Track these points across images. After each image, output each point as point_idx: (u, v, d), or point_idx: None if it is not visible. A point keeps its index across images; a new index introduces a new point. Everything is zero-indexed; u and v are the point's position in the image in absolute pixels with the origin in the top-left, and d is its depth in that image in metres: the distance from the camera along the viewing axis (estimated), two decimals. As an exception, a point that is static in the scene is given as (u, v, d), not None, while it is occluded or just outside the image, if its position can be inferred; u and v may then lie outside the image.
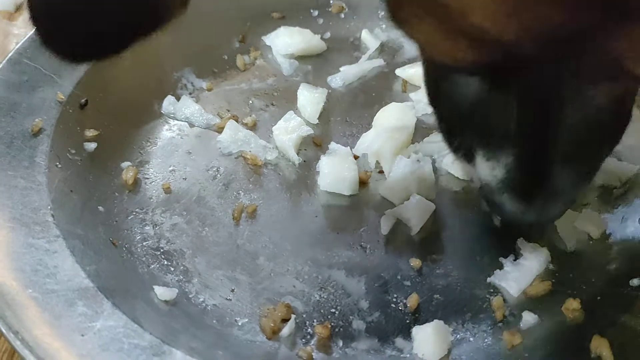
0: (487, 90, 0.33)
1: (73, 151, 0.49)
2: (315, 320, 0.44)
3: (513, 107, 0.31)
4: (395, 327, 0.44)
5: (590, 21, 0.25)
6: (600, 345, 0.38)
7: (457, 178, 0.52)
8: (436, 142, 0.53)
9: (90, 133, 0.51)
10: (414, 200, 0.49)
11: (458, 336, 0.43)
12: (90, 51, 0.32)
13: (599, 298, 0.43)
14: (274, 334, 0.43)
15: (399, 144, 0.53)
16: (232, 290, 0.45)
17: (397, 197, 0.50)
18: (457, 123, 0.37)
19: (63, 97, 0.50)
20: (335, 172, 0.51)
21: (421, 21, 0.29)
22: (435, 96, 0.38)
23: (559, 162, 0.33)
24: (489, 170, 0.35)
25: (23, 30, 0.66)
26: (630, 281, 0.43)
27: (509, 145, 0.33)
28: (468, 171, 0.39)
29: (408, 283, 0.46)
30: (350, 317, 0.44)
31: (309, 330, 0.43)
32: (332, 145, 0.54)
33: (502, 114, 0.32)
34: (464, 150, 0.37)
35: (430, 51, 0.32)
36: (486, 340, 0.43)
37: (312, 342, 0.43)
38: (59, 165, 0.47)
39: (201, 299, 0.45)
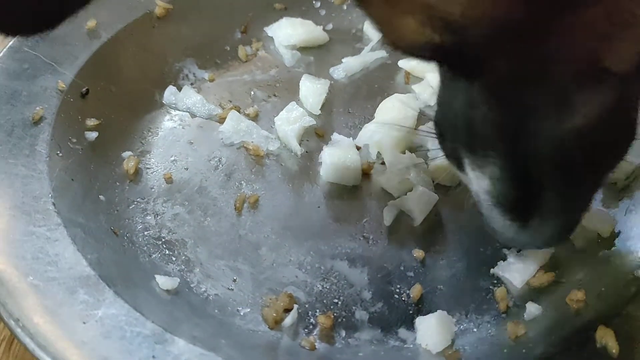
0: (465, 89, 0.30)
1: (74, 140, 0.49)
2: (317, 311, 0.44)
3: (488, 110, 0.29)
4: (398, 317, 0.44)
5: (539, 10, 0.24)
6: (605, 335, 0.38)
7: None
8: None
9: (91, 122, 0.51)
10: (417, 192, 0.49)
11: (461, 327, 0.43)
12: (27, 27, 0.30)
13: (603, 289, 0.43)
14: (276, 324, 0.42)
15: (401, 135, 0.52)
16: (234, 280, 0.45)
17: (396, 189, 0.50)
18: (446, 126, 0.34)
19: (64, 86, 0.50)
20: (337, 162, 0.51)
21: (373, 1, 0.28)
22: (437, 96, 0.36)
23: (552, 178, 0.30)
24: (476, 180, 0.32)
25: (23, 19, 0.66)
26: (635, 271, 0.42)
27: (492, 154, 0.30)
28: (462, 178, 0.36)
29: (411, 274, 0.46)
30: (353, 307, 0.44)
31: (312, 320, 0.43)
32: (335, 136, 0.53)
33: (481, 118, 0.30)
34: (454, 156, 0.34)
35: (385, 32, 0.29)
36: (490, 331, 0.43)
37: (315, 332, 0.42)
38: (60, 154, 0.47)
39: (203, 289, 0.44)
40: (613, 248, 0.46)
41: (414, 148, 0.53)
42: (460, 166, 0.34)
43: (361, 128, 0.55)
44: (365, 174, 0.51)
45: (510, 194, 0.31)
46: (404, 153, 0.51)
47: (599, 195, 0.50)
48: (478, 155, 0.31)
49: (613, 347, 0.37)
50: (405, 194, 0.49)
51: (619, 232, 0.47)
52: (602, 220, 0.47)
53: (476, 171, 0.32)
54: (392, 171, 0.51)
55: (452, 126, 0.33)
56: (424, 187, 0.49)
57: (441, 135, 0.35)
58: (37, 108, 0.48)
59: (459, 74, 0.30)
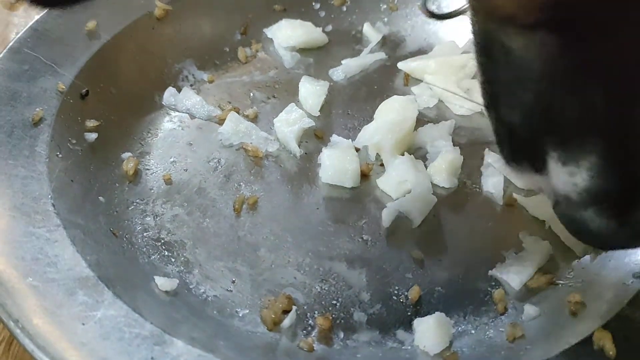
0: (561, 62, 0.25)
1: (74, 141, 0.49)
2: (316, 312, 0.44)
3: (596, 84, 0.25)
4: (396, 319, 0.44)
5: None
6: (603, 338, 0.38)
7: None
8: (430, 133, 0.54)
9: (91, 123, 0.51)
10: (415, 193, 0.49)
11: (459, 328, 0.43)
12: None
13: (601, 291, 0.43)
14: (275, 325, 0.42)
15: (399, 137, 0.52)
16: (233, 282, 0.45)
17: (394, 191, 0.50)
18: (521, 119, 0.29)
19: (64, 87, 0.50)
20: (336, 164, 0.51)
21: None
22: (492, 90, 0.31)
23: None
24: (567, 177, 0.28)
25: (23, 19, 0.66)
26: (633, 273, 0.42)
27: (593, 141, 0.26)
28: (534, 183, 0.33)
29: (409, 275, 0.46)
30: (352, 309, 0.44)
31: (310, 321, 0.43)
32: (334, 137, 0.54)
33: (582, 96, 0.25)
34: (530, 155, 0.30)
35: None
36: (488, 332, 0.43)
37: (313, 333, 0.43)
38: (60, 155, 0.47)
39: (202, 290, 0.44)
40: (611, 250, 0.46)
41: (413, 150, 0.53)
42: (540, 166, 0.30)
43: (360, 129, 0.55)
44: (364, 175, 0.52)
45: (614, 187, 0.27)
46: (403, 155, 0.51)
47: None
48: (572, 145, 0.27)
49: (610, 349, 0.37)
50: (404, 196, 0.49)
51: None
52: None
53: (569, 165, 0.28)
54: (391, 173, 0.51)
55: (528, 118, 0.29)
56: (423, 189, 0.49)
57: (509, 134, 0.31)
58: (37, 109, 0.48)
59: (570, 39, 0.25)
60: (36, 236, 0.41)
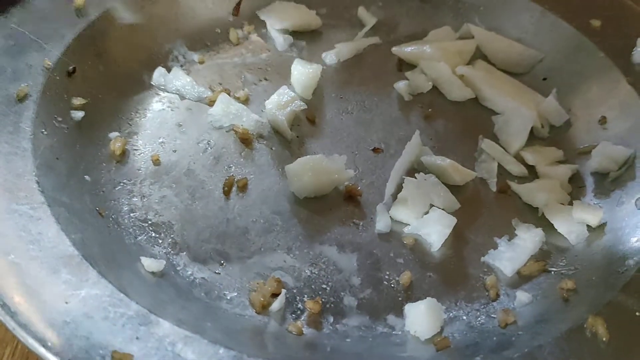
0: None
1: (59, 119, 0.48)
2: (306, 296, 0.43)
3: None
4: (387, 304, 0.43)
5: None
6: (596, 324, 0.37)
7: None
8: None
9: (77, 101, 0.49)
10: (435, 214, 0.47)
11: (451, 314, 0.43)
12: None
13: (594, 278, 0.42)
14: (263, 309, 0.42)
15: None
16: (222, 264, 0.44)
17: (412, 216, 0.47)
18: None
19: (50, 64, 0.49)
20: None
21: None
22: None
23: None
24: None
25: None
26: (626, 262, 0.42)
27: None
28: None
29: (401, 260, 0.45)
30: (342, 293, 0.43)
31: (300, 305, 0.42)
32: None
33: None
34: None
35: None
36: (479, 318, 0.42)
37: (303, 317, 0.42)
38: (45, 132, 0.46)
39: (189, 272, 0.43)
40: (604, 237, 0.46)
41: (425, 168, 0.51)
42: None
43: (353, 114, 0.54)
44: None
45: None
46: None
47: (590, 187, 0.50)
48: None
49: (603, 335, 0.37)
50: (422, 217, 0.47)
51: (610, 223, 0.46)
52: (590, 211, 0.47)
53: None
54: (404, 199, 0.48)
55: None
56: (443, 210, 0.47)
57: None
58: (22, 85, 0.47)
59: None
60: (19, 213, 0.40)
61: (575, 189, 0.50)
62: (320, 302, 0.42)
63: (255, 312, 0.42)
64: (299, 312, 0.42)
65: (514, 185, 0.50)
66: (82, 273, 0.38)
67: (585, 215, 0.47)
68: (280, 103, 0.53)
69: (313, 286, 0.44)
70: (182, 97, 0.54)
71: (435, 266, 0.45)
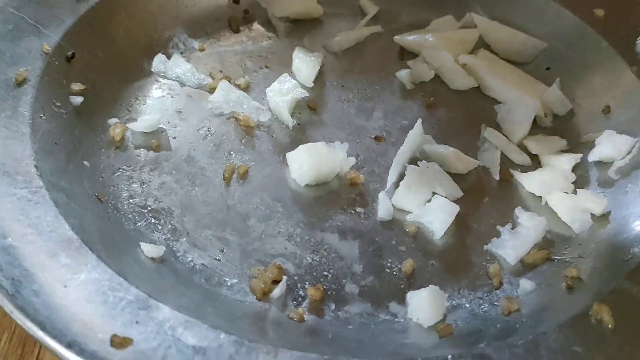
0: None
1: (58, 104, 0.47)
2: (307, 283, 0.42)
3: None
4: (389, 291, 0.43)
5: None
6: (601, 311, 0.37)
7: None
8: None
9: (76, 87, 0.49)
10: (438, 202, 0.46)
11: (454, 302, 0.42)
12: None
13: (598, 266, 0.42)
14: (264, 295, 0.41)
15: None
16: (222, 251, 0.44)
17: (414, 204, 0.47)
18: None
19: (49, 49, 0.48)
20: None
21: None
22: None
23: None
24: None
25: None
26: (631, 250, 0.42)
27: None
28: None
29: (403, 248, 0.45)
30: (344, 280, 0.43)
31: (301, 292, 0.42)
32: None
33: None
34: None
35: None
36: (482, 306, 0.42)
37: (304, 304, 0.41)
38: (44, 117, 0.45)
39: (189, 258, 0.43)
40: (608, 226, 0.45)
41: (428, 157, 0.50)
42: None
43: (355, 102, 0.54)
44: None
45: None
46: None
47: (594, 175, 0.50)
48: None
49: (609, 322, 0.37)
50: (424, 205, 0.47)
51: (614, 211, 0.46)
52: (594, 200, 0.47)
53: None
54: (406, 187, 0.47)
55: None
56: (445, 198, 0.47)
57: None
58: (21, 69, 0.46)
59: None
60: (17, 197, 0.39)
61: (579, 177, 0.49)
62: (322, 289, 0.42)
63: (256, 298, 0.41)
64: (300, 299, 0.42)
65: (517, 174, 0.50)
66: (81, 257, 0.37)
67: (589, 204, 0.46)
68: (282, 90, 0.52)
69: (314, 273, 0.43)
70: (182, 84, 0.54)
71: (438, 254, 0.45)
